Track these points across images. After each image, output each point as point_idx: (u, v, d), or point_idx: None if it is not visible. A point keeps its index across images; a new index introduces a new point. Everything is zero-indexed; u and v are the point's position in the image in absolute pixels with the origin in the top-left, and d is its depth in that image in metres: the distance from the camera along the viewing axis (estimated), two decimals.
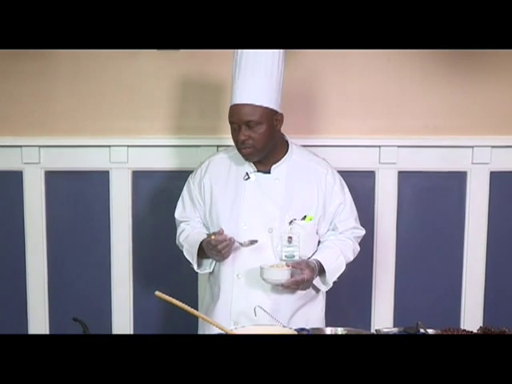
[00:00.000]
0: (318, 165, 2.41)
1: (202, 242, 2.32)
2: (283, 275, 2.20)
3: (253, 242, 2.27)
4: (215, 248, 2.22)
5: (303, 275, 2.21)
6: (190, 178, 2.49)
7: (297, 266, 2.23)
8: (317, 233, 2.40)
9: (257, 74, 2.24)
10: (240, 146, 2.28)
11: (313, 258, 2.34)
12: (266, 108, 2.25)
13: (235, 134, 2.28)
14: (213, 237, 2.23)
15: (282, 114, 2.32)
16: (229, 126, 2.31)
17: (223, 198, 2.38)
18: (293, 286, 2.23)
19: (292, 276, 2.21)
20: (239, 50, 2.26)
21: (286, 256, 2.30)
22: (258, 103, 2.23)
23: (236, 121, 2.25)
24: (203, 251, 2.33)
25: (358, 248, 2.48)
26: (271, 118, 2.27)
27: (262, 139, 2.26)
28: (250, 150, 2.27)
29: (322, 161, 2.44)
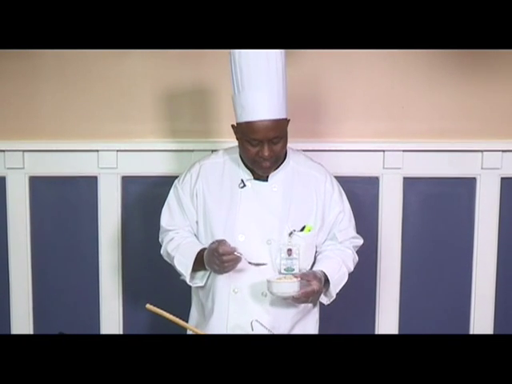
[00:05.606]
0: (316, 171, 2.33)
1: (197, 254, 2.23)
2: (293, 287, 2.10)
3: (260, 265, 2.18)
4: (220, 257, 2.10)
5: (313, 286, 2.13)
6: (176, 184, 2.38)
7: (304, 277, 2.14)
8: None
9: (271, 83, 2.12)
10: (260, 160, 2.17)
11: (315, 268, 2.26)
12: (284, 119, 2.18)
13: (254, 149, 2.16)
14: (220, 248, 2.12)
15: (289, 120, 2.24)
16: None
17: (217, 206, 2.27)
18: (303, 299, 2.14)
19: (300, 288, 2.12)
20: (242, 52, 2.11)
21: (285, 269, 2.21)
22: (281, 117, 2.15)
23: (260, 138, 2.13)
24: (197, 263, 2.24)
25: (357, 258, 2.41)
26: (286, 128, 2.20)
27: (281, 151, 2.20)
28: (270, 163, 2.19)
29: (319, 166, 2.36)
